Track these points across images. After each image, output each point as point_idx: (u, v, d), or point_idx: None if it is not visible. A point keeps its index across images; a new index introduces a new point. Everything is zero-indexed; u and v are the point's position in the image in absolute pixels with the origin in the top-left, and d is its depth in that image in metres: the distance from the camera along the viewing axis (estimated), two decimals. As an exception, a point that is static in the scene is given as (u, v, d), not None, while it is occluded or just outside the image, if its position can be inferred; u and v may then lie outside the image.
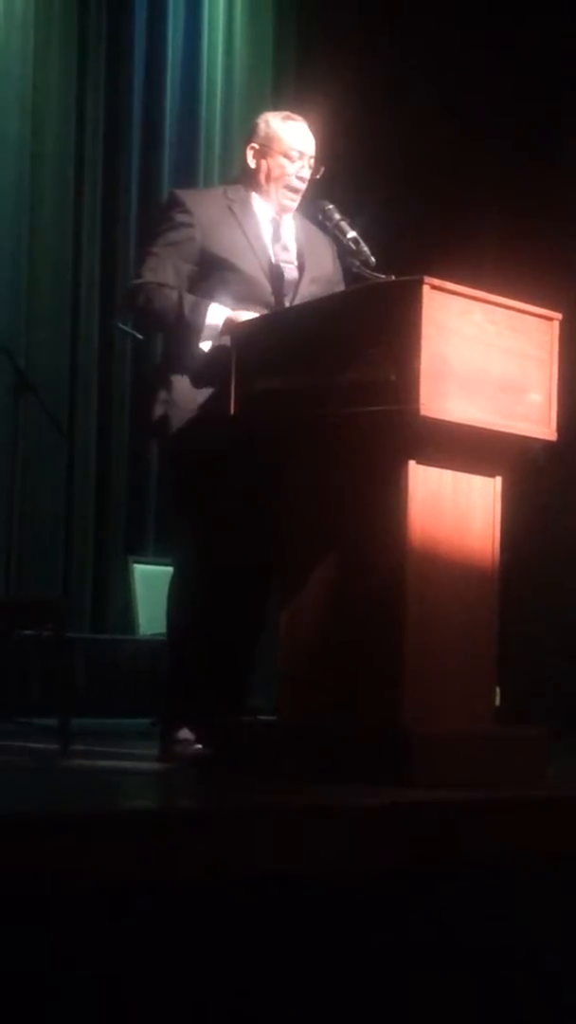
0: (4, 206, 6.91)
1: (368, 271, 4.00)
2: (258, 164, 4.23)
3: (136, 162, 7.51)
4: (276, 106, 4.40)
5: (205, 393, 4.03)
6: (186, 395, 4.06)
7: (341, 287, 4.24)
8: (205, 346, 4.02)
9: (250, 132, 4.30)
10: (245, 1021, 2.59)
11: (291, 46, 7.96)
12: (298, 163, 4.21)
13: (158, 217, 4.34)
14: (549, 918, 3.08)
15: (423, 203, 7.36)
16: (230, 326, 3.96)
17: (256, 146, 4.23)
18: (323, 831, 2.78)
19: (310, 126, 4.26)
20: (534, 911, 3.05)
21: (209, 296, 4.05)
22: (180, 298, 4.04)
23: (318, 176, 4.25)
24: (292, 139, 4.21)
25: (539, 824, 3.15)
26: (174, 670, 4.18)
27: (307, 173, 4.23)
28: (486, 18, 7.58)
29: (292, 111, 4.34)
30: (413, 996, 2.82)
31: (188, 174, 7.52)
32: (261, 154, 4.22)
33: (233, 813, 2.79)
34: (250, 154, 4.24)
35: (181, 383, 4.07)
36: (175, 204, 4.22)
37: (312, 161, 4.23)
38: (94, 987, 2.41)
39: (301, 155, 4.21)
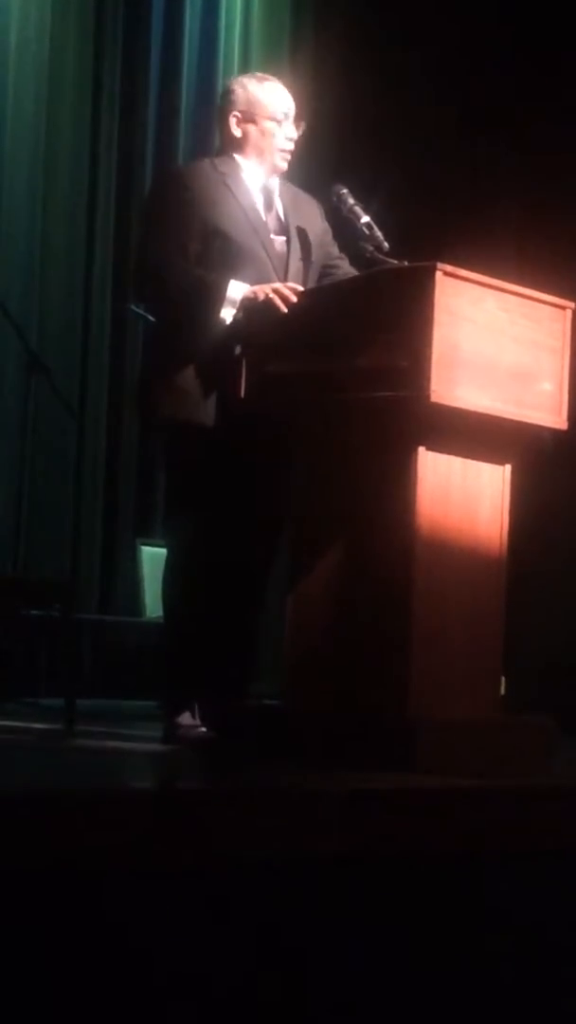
0: (18, 186, 6.88)
1: (381, 256, 3.97)
2: (244, 131, 4.15)
3: (151, 143, 7.48)
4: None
5: (208, 377, 3.99)
6: (188, 379, 4.01)
7: (334, 247, 4.22)
8: (227, 315, 3.92)
9: (227, 100, 4.19)
10: (244, 1005, 2.59)
11: (309, 24, 7.91)
12: (285, 124, 4.16)
13: (156, 196, 4.28)
14: (552, 907, 3.08)
15: (438, 189, 7.34)
16: (247, 303, 3.90)
17: (238, 114, 4.16)
18: (326, 816, 2.78)
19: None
20: (537, 900, 3.05)
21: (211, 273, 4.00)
22: (197, 275, 3.97)
23: (300, 131, 4.20)
24: (274, 102, 4.15)
25: (543, 813, 3.15)
26: (173, 654, 4.16)
27: (295, 132, 4.18)
28: (506, 4, 7.55)
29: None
30: (412, 983, 2.82)
31: (204, 154, 7.48)
32: (246, 121, 4.16)
33: (235, 796, 2.79)
34: (233, 122, 4.16)
35: (182, 367, 4.01)
36: (172, 182, 4.18)
37: (296, 120, 4.19)
38: (93, 965, 2.42)
39: (286, 116, 4.15)
